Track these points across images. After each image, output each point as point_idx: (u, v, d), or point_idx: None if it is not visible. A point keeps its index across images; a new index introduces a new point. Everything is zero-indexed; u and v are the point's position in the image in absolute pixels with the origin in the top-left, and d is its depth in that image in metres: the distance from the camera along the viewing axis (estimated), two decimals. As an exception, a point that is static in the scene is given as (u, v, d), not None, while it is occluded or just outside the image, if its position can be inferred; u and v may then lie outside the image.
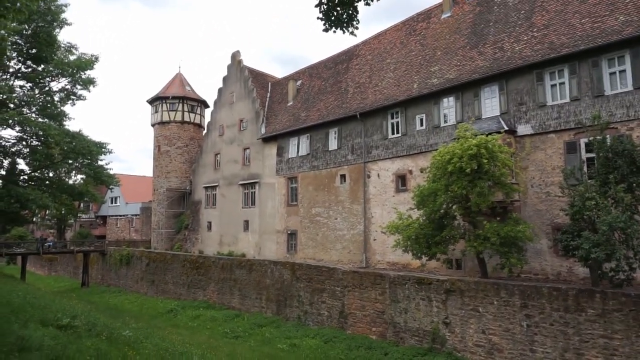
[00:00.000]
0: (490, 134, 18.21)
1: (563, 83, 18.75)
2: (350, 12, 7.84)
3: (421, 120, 23.93)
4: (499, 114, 20.66)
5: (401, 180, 24.62)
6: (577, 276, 17.32)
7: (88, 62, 32.03)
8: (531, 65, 19.43)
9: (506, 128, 19.41)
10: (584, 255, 13.75)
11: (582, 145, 17.68)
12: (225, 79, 40.18)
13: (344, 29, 8.00)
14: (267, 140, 34.21)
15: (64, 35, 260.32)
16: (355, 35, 8.23)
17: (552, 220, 18.39)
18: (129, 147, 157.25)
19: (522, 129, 19.73)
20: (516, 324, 15.63)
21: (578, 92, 18.14)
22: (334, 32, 8.00)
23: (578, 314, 14.24)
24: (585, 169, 16.64)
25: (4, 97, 27.10)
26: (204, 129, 44.12)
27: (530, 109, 19.61)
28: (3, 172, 30.28)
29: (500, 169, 16.96)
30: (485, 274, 18.26)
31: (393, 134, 25.32)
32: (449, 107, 22.87)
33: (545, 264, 18.45)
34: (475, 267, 19.45)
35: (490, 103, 21.18)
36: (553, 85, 19.08)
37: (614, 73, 17.37)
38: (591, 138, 15.98)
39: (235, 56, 39.35)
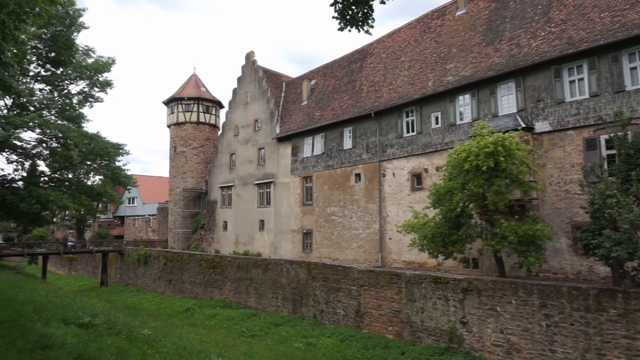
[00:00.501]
0: (507, 131, 17.97)
1: (582, 79, 18.39)
2: (365, 10, 7.81)
3: (436, 118, 23.74)
4: (515, 111, 20.38)
5: (417, 178, 24.47)
6: (598, 275, 17.00)
7: (105, 65, 32.59)
8: (549, 61, 19.09)
9: (523, 125, 19.10)
10: (605, 254, 13.51)
11: (603, 142, 17.34)
12: (239, 80, 40.42)
13: (359, 27, 7.96)
14: (281, 140, 34.31)
15: (81, 39, 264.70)
16: (370, 34, 8.19)
17: (571, 219, 18.08)
18: (145, 148, 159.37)
19: (540, 126, 19.43)
20: (535, 324, 15.41)
21: (598, 88, 17.79)
22: (349, 31, 7.97)
23: (599, 313, 13.98)
24: (605, 166, 16.29)
25: (25, 100, 27.68)
26: (219, 130, 44.47)
27: (548, 105, 19.30)
28: (24, 174, 30.90)
29: (517, 166, 16.72)
30: (503, 273, 18.05)
31: (408, 132, 25.17)
32: (464, 104, 22.64)
33: (565, 263, 18.15)
34: (493, 266, 19.24)
35: (507, 100, 20.91)
36: (572, 81, 18.73)
37: (635, 68, 16.95)
38: (612, 134, 15.65)
39: (250, 56, 39.54)
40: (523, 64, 19.91)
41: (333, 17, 7.96)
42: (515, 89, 20.52)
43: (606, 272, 16.29)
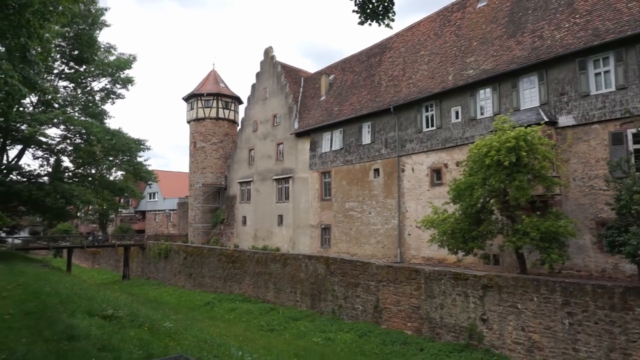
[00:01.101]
0: (529, 125, 17.64)
1: (608, 71, 17.87)
2: (385, 4, 7.72)
3: (456, 112, 23.42)
4: (538, 105, 19.95)
5: (436, 174, 24.22)
6: (624, 273, 16.58)
7: (126, 62, 33.08)
8: (573, 53, 18.60)
9: (546, 119, 18.72)
10: (631, 251, 13.17)
11: (630, 136, 16.85)
12: (258, 75, 40.55)
13: (380, 21, 7.87)
14: (300, 135, 34.33)
15: (103, 37, 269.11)
16: (391, 28, 8.08)
17: (596, 215, 17.66)
18: (166, 143, 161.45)
19: (564, 120, 18.99)
20: (557, 322, 15.15)
21: (625, 81, 17.27)
22: (370, 24, 7.89)
23: (625, 312, 13.66)
24: (632, 160, 15.84)
25: (50, 97, 28.26)
26: (238, 125, 44.75)
27: (572, 99, 18.84)
28: (49, 170, 31.64)
29: (540, 161, 16.42)
30: (524, 270, 17.77)
31: (427, 127, 24.89)
32: (485, 98, 22.27)
33: (589, 260, 17.76)
34: (514, 262, 18.95)
35: (529, 94, 20.47)
36: (597, 74, 18.22)
37: (665, 59, 16.43)
38: None
39: (268, 52, 39.61)
40: (546, 57, 19.45)
41: (353, 11, 7.89)
42: (538, 82, 20.07)
43: (632, 270, 15.88)
